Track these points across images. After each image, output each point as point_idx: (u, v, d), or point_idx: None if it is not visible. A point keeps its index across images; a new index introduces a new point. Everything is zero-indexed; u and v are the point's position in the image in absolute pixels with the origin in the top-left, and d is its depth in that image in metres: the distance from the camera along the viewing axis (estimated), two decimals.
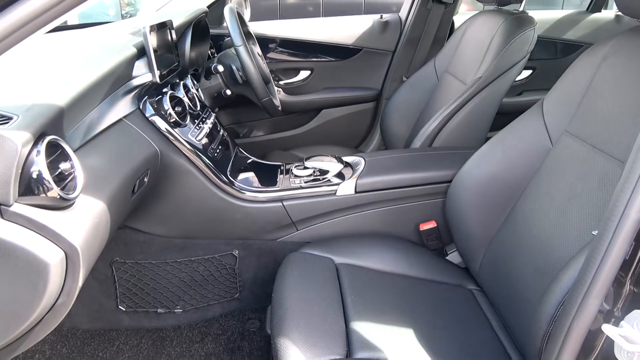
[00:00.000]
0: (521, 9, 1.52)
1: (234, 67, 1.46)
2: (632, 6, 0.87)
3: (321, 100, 2.09)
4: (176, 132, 1.08)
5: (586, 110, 0.95)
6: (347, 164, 1.34)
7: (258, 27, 1.98)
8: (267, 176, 1.30)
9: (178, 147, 1.10)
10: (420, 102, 1.81)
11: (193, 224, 1.20)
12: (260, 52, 1.65)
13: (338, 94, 2.10)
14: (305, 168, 1.27)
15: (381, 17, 2.00)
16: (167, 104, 1.10)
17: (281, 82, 2.10)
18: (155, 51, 1.08)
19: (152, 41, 1.07)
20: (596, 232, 0.61)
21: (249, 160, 1.39)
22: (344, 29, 2.03)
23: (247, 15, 2.14)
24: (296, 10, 5.10)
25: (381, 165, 1.29)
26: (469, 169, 1.16)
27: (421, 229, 1.25)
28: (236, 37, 1.37)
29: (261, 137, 2.13)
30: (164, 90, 1.15)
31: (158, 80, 1.08)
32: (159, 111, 1.08)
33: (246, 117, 2.11)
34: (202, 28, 1.63)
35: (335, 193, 1.22)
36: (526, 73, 2.16)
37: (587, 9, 2.13)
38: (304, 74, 2.09)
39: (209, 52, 1.77)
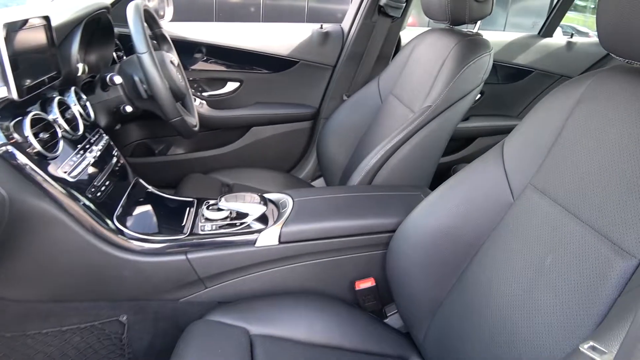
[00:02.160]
0: (476, 30, 1.41)
1: (136, 79, 1.22)
2: (616, 46, 0.74)
3: (251, 117, 1.88)
4: (36, 167, 0.83)
5: (556, 163, 0.81)
6: (271, 201, 1.14)
7: (179, 30, 1.75)
8: (171, 218, 1.08)
9: (41, 187, 0.85)
10: (362, 125, 1.66)
11: (64, 284, 0.94)
12: (176, 60, 1.42)
13: (270, 110, 1.90)
14: (220, 210, 1.06)
15: (321, 27, 1.84)
16: (27, 129, 0.85)
17: (205, 94, 1.87)
18: (15, 57, 0.83)
19: (13, 44, 0.83)
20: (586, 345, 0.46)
21: (149, 196, 1.15)
22: (280, 38, 1.84)
23: (167, 14, 1.90)
24: (235, 10, 4.85)
25: (312, 209, 1.10)
26: (416, 218, 1.00)
27: (357, 289, 1.07)
28: (139, 42, 1.14)
29: (180, 155, 1.88)
30: (28, 109, 0.90)
31: (16, 96, 0.83)
32: (15, 139, 0.83)
33: (163, 130, 1.86)
34: (103, 27, 1.38)
35: (255, 243, 1.02)
36: None
37: (539, 33, 2.08)
38: (231, 86, 1.88)
39: (116, 55, 1.52)
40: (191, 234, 1.01)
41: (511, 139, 0.94)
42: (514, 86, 2.09)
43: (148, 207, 1.10)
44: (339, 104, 1.75)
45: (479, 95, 2.08)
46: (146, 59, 1.14)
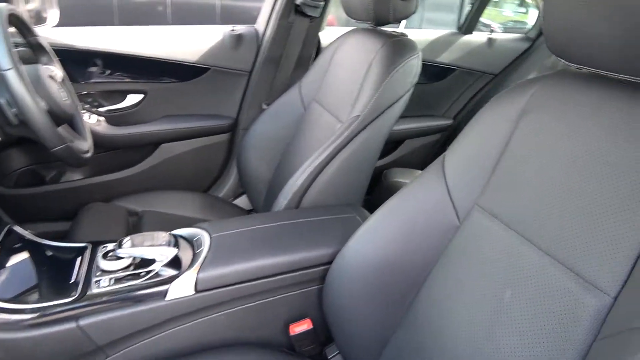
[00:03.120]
0: (401, 30, 1.32)
1: (2, 101, 1.00)
2: (565, 50, 0.67)
3: (159, 132, 1.68)
4: None
5: (504, 181, 0.73)
6: (183, 239, 0.98)
7: (67, 36, 1.51)
8: (56, 274, 0.88)
9: None
10: (285, 135, 1.53)
11: None
12: (60, 74, 1.21)
13: (181, 123, 1.71)
14: (119, 258, 0.88)
15: (233, 30, 1.68)
16: None
17: (102, 109, 1.64)
18: None
19: None
20: None
21: (27, 246, 0.94)
22: (187, 43, 1.65)
23: (52, 18, 1.65)
24: (141, 10, 4.51)
25: (233, 245, 0.95)
26: (354, 248, 0.89)
27: (292, 334, 0.94)
28: (1, 57, 0.92)
29: (76, 182, 1.64)
30: None
31: None
32: None
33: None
34: None
35: (166, 295, 0.85)
36: None
37: (459, 30, 2.07)
38: (134, 99, 1.67)
39: None
40: (83, 293, 0.82)
41: (452, 152, 0.85)
42: (439, 85, 2.06)
43: (24, 263, 0.89)
44: (259, 114, 1.60)
45: None
46: (11, 76, 0.93)
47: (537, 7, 2.04)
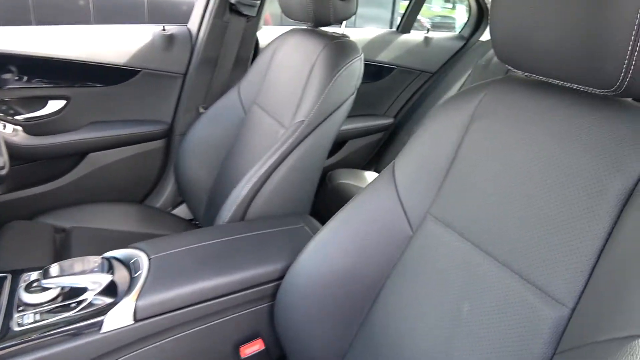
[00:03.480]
0: (342, 30, 1.30)
1: None
2: (513, 58, 0.67)
3: (85, 141, 1.56)
4: None
5: (456, 189, 0.72)
6: (119, 261, 0.90)
7: None
8: None
9: None
10: (225, 140, 1.47)
11: None
12: None
13: (111, 130, 1.60)
14: (45, 289, 0.79)
15: (164, 29, 1.58)
16: None
17: (20, 118, 1.49)
18: None
19: None
20: None
21: None
22: (114, 43, 1.54)
23: None
24: (60, 7, 4.20)
25: (174, 266, 0.88)
26: (305, 262, 0.86)
27: (243, 356, 0.89)
28: None
29: None
30: None
31: None
32: None
33: None
34: None
35: (101, 327, 0.77)
36: None
37: (397, 29, 2.08)
38: (55, 105, 1.53)
39: None
40: (4, 332, 0.73)
41: (401, 159, 0.84)
42: (379, 84, 2.07)
43: None
44: (196, 118, 1.53)
45: None
46: None
47: (468, 5, 2.10)
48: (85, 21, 4.22)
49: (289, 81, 1.28)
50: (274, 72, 1.37)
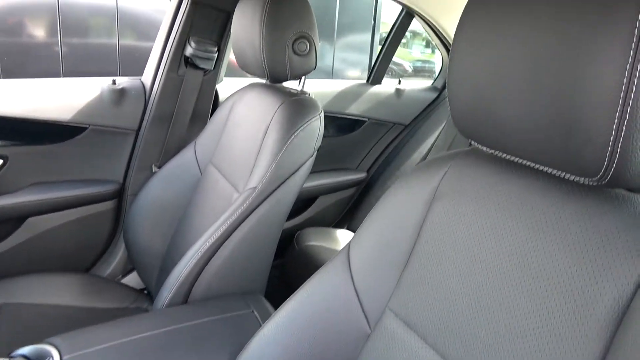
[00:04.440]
0: (301, 87, 1.21)
1: None
2: (466, 127, 0.57)
3: (25, 204, 1.42)
4: None
5: (416, 281, 0.61)
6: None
7: None
8: None
9: None
10: (179, 202, 1.35)
11: None
12: None
13: (55, 192, 1.46)
14: None
15: (114, 83, 1.48)
16: None
17: None
18: None
19: None
20: None
21: None
22: (58, 98, 1.43)
23: None
24: (31, 52, 4.11)
25: None
26: (259, 350, 0.72)
27: None
28: None
29: None
30: None
31: None
32: None
33: None
34: None
35: None
36: None
37: (367, 80, 2.02)
38: None
39: None
40: None
41: (357, 242, 0.72)
42: (350, 137, 1.98)
43: None
44: (150, 177, 1.41)
45: None
46: None
47: (441, 55, 2.06)
48: (55, 69, 4.12)
49: (244, 141, 1.18)
50: (230, 130, 1.27)
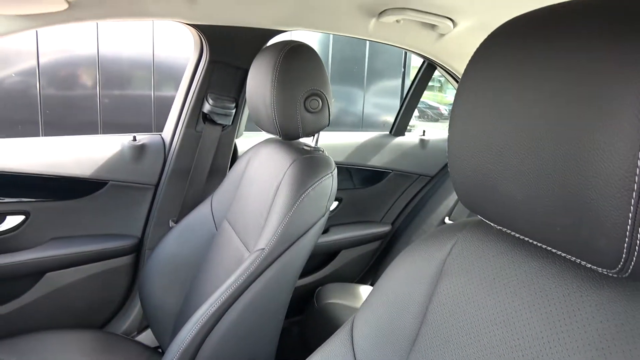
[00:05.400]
0: (314, 143, 1.20)
1: None
2: (471, 202, 0.53)
3: (44, 260, 1.43)
4: None
5: None
6: None
7: None
8: None
9: None
10: (195, 259, 1.34)
11: None
12: None
13: (73, 247, 1.47)
14: None
15: (134, 139, 1.51)
16: None
17: None
18: None
19: None
20: None
21: None
22: (79, 155, 1.46)
23: None
24: (72, 105, 4.31)
25: None
26: None
27: None
28: None
29: None
30: None
31: None
32: None
33: None
34: None
35: None
36: (332, 205, 1.87)
37: (390, 132, 2.00)
38: (13, 221, 1.43)
39: None
40: None
41: (361, 319, 0.67)
42: (373, 189, 1.94)
43: None
44: (167, 232, 1.40)
45: (336, 203, 1.89)
46: None
47: None
48: (93, 120, 4.30)
49: (256, 199, 1.16)
50: (245, 186, 1.26)
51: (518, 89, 0.44)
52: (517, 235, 0.50)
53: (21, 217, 1.43)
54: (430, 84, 1.99)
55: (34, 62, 3.96)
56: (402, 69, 5.28)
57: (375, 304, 0.66)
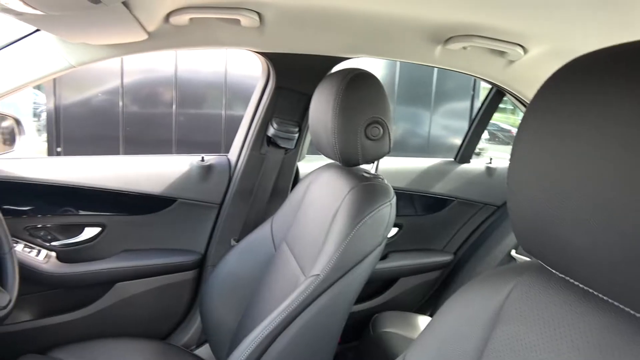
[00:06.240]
0: (374, 170, 1.20)
1: None
2: (530, 245, 0.51)
3: (115, 270, 1.53)
4: None
5: None
6: None
7: (19, 167, 1.43)
8: None
9: None
10: (253, 279, 1.37)
11: None
12: None
13: (142, 260, 1.57)
14: None
15: (203, 160, 1.59)
16: None
17: (56, 244, 1.51)
18: None
19: None
20: None
21: None
22: (151, 173, 1.56)
23: (18, 143, 1.61)
24: (150, 122, 4.59)
25: None
26: None
27: None
28: None
29: (10, 326, 1.45)
30: None
31: None
32: None
33: None
34: None
35: None
36: (392, 231, 1.85)
37: (455, 158, 1.95)
38: (91, 232, 1.54)
39: None
40: None
41: (413, 354, 0.66)
42: (436, 217, 1.90)
43: None
44: (228, 250, 1.45)
45: (396, 230, 1.87)
46: None
47: None
48: (168, 137, 4.51)
49: (314, 224, 1.17)
50: (304, 210, 1.28)
51: (588, 130, 0.42)
52: (580, 285, 0.47)
53: (98, 229, 1.54)
54: (501, 105, 1.93)
55: (118, 82, 4.26)
56: (472, 92, 5.15)
57: (429, 342, 0.65)
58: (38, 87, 5.05)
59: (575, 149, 0.43)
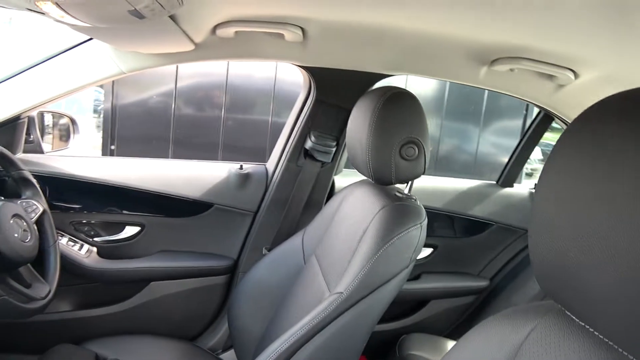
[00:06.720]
0: (407, 190, 1.18)
1: None
2: (550, 288, 0.49)
3: (151, 269, 1.58)
4: None
5: None
6: None
7: (70, 165, 1.50)
8: None
9: None
10: (281, 289, 1.38)
11: None
12: (42, 208, 1.18)
13: (177, 261, 1.61)
14: None
15: (241, 168, 1.62)
16: None
17: (98, 240, 1.58)
18: None
19: None
20: None
21: None
22: (191, 178, 1.61)
23: (72, 141, 1.71)
24: (198, 124, 4.72)
25: None
26: None
27: None
28: None
29: (49, 315, 1.52)
30: None
31: None
32: None
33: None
34: None
35: None
36: (426, 252, 1.82)
37: (497, 182, 1.90)
38: (131, 231, 1.60)
39: None
40: None
41: None
42: (473, 240, 1.85)
43: None
44: (260, 258, 1.47)
45: (430, 250, 1.83)
46: None
47: None
48: (215, 141, 4.62)
49: (344, 240, 1.17)
50: (335, 225, 1.28)
51: (623, 171, 0.40)
52: (600, 336, 0.45)
53: (137, 229, 1.60)
54: (556, 125, 1.86)
55: (172, 85, 4.40)
56: (524, 111, 4.99)
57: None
58: (99, 85, 5.30)
59: (609, 191, 0.41)
